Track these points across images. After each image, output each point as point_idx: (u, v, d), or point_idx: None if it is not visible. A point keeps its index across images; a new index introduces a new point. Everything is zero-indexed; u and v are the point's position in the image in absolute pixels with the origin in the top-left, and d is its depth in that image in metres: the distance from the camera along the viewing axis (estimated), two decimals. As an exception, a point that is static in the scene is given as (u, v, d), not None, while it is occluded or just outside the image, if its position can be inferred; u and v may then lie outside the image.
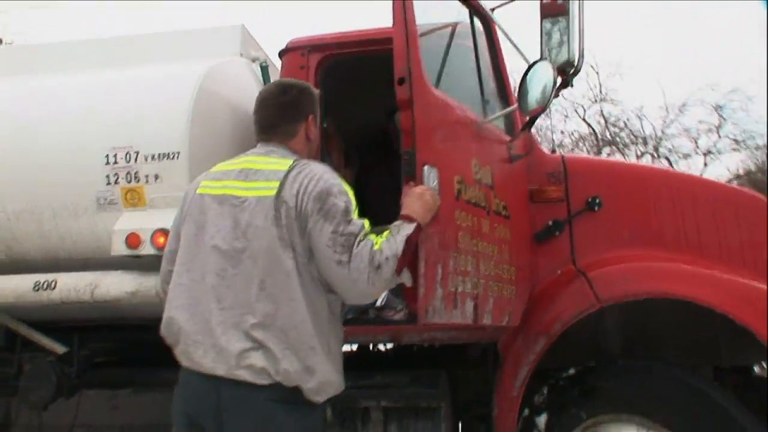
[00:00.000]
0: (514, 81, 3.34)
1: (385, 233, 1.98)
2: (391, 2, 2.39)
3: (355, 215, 2.00)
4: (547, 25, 2.71)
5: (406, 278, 2.05)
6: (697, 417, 2.83)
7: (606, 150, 21.58)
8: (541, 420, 3.08)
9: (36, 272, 3.22)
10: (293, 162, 2.06)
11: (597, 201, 3.23)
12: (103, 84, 3.40)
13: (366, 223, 2.00)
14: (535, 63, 2.64)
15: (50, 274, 3.19)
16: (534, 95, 2.62)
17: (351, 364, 3.40)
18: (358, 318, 2.94)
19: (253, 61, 3.80)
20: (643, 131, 21.95)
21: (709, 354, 3.29)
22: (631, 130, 21.93)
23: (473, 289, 2.50)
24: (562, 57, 2.62)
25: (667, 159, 21.62)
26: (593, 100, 21.79)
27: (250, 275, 1.93)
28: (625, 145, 21.85)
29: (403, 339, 3.12)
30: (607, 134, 22.06)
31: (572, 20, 2.58)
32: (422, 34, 2.86)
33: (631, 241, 3.24)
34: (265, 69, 3.78)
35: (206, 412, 1.94)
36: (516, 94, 2.71)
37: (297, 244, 1.94)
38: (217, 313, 1.93)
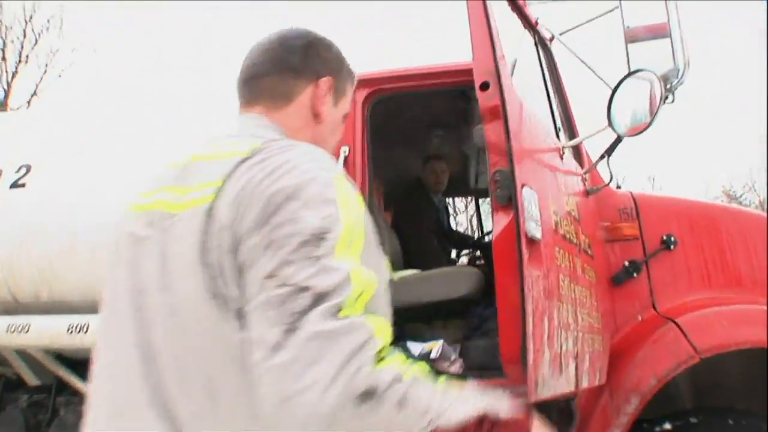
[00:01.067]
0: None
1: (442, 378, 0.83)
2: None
3: (350, 250, 0.79)
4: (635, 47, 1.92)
5: None
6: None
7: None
8: None
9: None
10: (262, 144, 0.89)
11: (672, 239, 2.38)
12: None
13: (365, 277, 0.78)
14: (628, 76, 1.82)
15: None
16: (627, 114, 1.80)
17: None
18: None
19: None
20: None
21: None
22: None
23: (574, 346, 1.61)
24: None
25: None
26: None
27: (184, 362, 0.82)
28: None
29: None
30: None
31: (674, 32, 1.77)
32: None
33: (709, 281, 2.39)
34: None
35: None
36: (606, 114, 1.86)
37: (235, 299, 0.80)
38: None
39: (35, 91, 18.71)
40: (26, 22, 18.65)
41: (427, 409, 0.76)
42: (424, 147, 3.69)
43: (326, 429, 0.69)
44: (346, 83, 1.13)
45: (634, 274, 2.33)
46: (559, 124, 2.30)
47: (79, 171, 2.62)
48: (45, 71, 18.73)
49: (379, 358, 0.74)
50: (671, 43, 1.76)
